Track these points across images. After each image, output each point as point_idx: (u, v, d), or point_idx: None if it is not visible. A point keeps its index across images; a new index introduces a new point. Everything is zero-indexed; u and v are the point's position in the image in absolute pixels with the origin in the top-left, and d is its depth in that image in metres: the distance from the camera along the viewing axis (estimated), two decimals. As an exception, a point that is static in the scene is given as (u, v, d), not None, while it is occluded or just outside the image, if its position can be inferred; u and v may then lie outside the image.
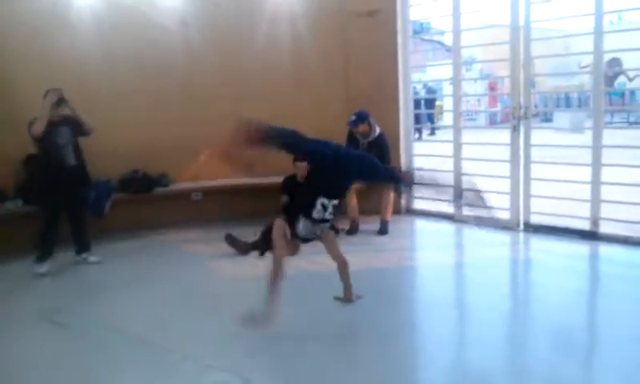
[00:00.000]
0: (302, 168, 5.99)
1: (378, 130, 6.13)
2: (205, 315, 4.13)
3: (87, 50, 6.31)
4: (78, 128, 5.37)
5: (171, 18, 6.68)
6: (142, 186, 6.51)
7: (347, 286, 3.79)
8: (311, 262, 5.37)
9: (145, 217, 6.66)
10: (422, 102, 11.76)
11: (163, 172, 6.70)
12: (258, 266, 5.15)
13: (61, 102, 5.16)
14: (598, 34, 5.27)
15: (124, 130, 6.43)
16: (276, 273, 3.45)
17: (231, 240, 5.53)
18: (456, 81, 6.47)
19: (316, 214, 3.56)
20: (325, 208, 3.57)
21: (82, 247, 5.57)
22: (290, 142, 3.72)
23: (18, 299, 4.73)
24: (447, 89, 10.88)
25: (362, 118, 6.04)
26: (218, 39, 6.74)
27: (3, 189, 5.93)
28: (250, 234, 5.68)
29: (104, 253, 5.77)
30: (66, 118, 5.29)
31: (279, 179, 6.20)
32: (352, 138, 6.18)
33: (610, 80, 15.12)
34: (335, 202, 3.62)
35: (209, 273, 5.16)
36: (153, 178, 6.61)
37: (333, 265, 5.10)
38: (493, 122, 17.36)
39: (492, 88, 17.34)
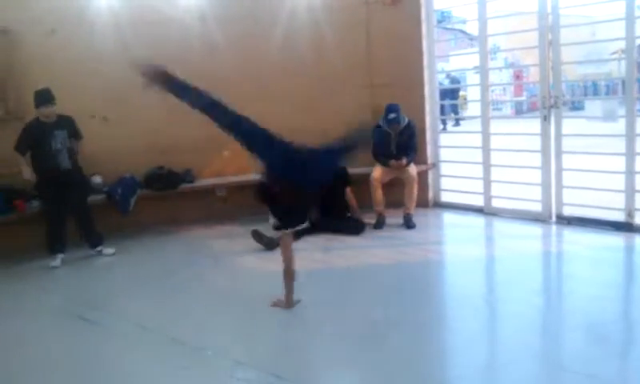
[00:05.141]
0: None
1: (406, 119, 6.04)
2: (233, 311, 4.13)
3: (106, 46, 6.27)
4: (73, 130, 5.48)
5: (190, 13, 6.65)
6: (167, 183, 6.52)
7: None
8: (338, 257, 5.34)
9: (170, 213, 6.70)
10: (446, 92, 11.60)
11: (188, 168, 6.71)
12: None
13: (51, 99, 5.25)
14: (630, 19, 5.11)
15: (147, 127, 6.45)
16: (291, 272, 3.89)
17: (257, 235, 5.51)
18: (483, 70, 6.33)
19: None
20: None
21: (94, 242, 5.69)
22: (202, 104, 4.02)
23: (46, 295, 4.79)
24: (471, 78, 10.74)
25: (399, 112, 5.94)
26: (238, 34, 6.69)
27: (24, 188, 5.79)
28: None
29: (130, 249, 5.82)
30: (59, 119, 5.36)
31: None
32: (380, 132, 5.99)
33: (640, 66, 14.72)
34: None
35: (236, 268, 5.14)
36: (178, 174, 6.62)
37: (366, 261, 5.08)
38: (519, 111, 17.07)
39: (517, 77, 17.05)
